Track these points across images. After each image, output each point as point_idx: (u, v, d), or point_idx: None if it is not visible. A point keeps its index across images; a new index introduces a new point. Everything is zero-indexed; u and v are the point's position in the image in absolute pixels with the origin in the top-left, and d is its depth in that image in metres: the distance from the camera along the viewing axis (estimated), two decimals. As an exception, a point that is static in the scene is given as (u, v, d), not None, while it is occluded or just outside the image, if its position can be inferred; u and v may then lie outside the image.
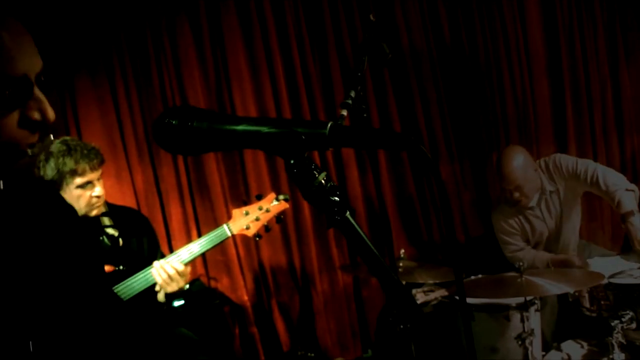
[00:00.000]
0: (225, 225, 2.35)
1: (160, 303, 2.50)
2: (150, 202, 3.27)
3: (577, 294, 2.57)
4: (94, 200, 2.30)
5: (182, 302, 2.67)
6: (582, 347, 2.59)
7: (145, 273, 2.27)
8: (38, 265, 0.97)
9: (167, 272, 2.24)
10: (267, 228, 2.38)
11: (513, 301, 2.49)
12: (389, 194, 3.72)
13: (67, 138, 2.32)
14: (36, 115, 0.92)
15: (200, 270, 3.35)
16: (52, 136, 1.05)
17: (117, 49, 3.21)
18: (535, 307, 2.49)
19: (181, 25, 3.31)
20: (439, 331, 2.77)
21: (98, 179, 2.32)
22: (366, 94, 3.54)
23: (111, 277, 2.26)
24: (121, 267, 2.29)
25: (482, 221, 3.82)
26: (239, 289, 3.41)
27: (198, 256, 2.34)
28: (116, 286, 2.23)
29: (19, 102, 0.90)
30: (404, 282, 2.77)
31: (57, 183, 2.23)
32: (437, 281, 2.86)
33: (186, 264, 2.29)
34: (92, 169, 2.27)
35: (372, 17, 2.16)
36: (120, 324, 1.10)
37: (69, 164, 2.21)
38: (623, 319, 2.32)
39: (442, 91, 3.84)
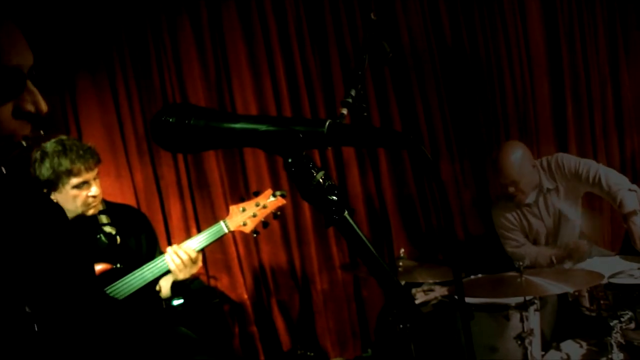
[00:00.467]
0: (222, 222, 2.34)
1: (160, 301, 2.50)
2: (150, 200, 3.27)
3: (576, 293, 2.57)
4: (90, 200, 2.29)
5: (181, 300, 2.67)
6: (581, 346, 2.59)
7: (143, 271, 2.26)
8: (23, 262, 0.98)
9: (180, 257, 2.25)
10: (264, 224, 2.38)
11: (513, 301, 2.49)
12: (389, 193, 3.72)
13: (63, 137, 2.30)
14: (30, 107, 0.94)
15: (200, 269, 3.35)
16: (42, 131, 1.06)
17: (118, 47, 3.21)
18: (534, 306, 2.49)
19: (182, 24, 3.31)
20: (439, 330, 2.77)
21: (94, 179, 2.30)
22: (367, 92, 3.55)
23: (108, 275, 2.26)
24: (118, 265, 2.29)
25: (482, 220, 3.82)
26: (239, 288, 3.41)
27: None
28: (113, 284, 2.23)
29: (12, 93, 0.93)
30: (403, 282, 2.77)
31: (53, 183, 2.22)
32: (437, 280, 2.86)
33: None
34: (88, 169, 2.26)
35: (372, 16, 2.16)
36: (108, 325, 1.10)
37: (65, 164, 2.20)
38: (622, 319, 2.32)
39: (443, 90, 3.84)
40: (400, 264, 2.85)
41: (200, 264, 2.34)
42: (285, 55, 3.49)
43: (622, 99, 4.14)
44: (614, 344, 2.30)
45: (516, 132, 3.93)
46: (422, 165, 0.84)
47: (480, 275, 2.74)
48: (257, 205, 2.36)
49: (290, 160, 0.81)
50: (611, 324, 2.31)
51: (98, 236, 2.39)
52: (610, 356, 2.32)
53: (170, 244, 3.24)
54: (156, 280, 2.33)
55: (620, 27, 4.14)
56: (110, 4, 3.16)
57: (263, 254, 3.48)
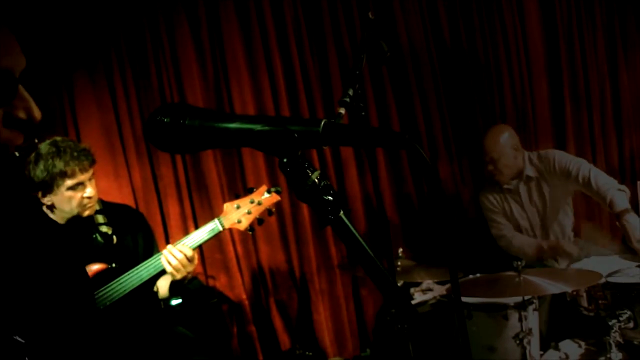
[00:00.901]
0: (217, 220, 2.33)
1: (157, 301, 2.50)
2: (148, 200, 3.27)
3: (574, 293, 2.57)
4: (86, 201, 2.28)
5: (179, 300, 2.67)
6: (580, 346, 2.59)
7: (139, 270, 2.26)
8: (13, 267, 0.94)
9: (176, 256, 2.24)
10: (259, 221, 2.37)
11: (511, 300, 2.49)
12: (388, 192, 3.72)
13: (58, 139, 2.28)
14: (22, 115, 0.88)
15: (198, 268, 3.34)
16: (36, 139, 1.02)
17: (116, 47, 3.20)
18: (533, 306, 2.49)
19: (180, 24, 3.30)
20: (437, 330, 2.77)
21: (89, 180, 2.29)
22: (365, 92, 3.54)
23: (104, 275, 2.25)
24: (114, 265, 2.28)
25: (481, 220, 3.82)
26: (237, 288, 3.41)
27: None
28: (109, 284, 2.23)
29: (2, 99, 0.86)
30: (402, 282, 2.77)
31: (48, 185, 2.21)
32: (435, 280, 2.86)
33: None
34: (82, 171, 2.24)
35: (370, 15, 2.15)
36: (97, 329, 1.06)
37: (59, 165, 2.18)
38: (621, 318, 2.31)
39: (441, 90, 3.84)
40: (399, 263, 2.85)
41: (196, 262, 2.33)
42: (283, 55, 3.48)
43: (620, 98, 4.15)
44: (612, 343, 2.30)
45: (515, 131, 3.92)
46: (420, 164, 0.84)
47: (478, 275, 2.74)
48: (252, 202, 2.35)
49: (285, 160, 0.80)
50: (610, 323, 2.31)
51: (94, 236, 2.38)
52: (609, 356, 2.32)
53: (168, 244, 3.24)
54: (153, 279, 2.32)
55: (619, 27, 4.14)
56: (108, 4, 3.15)
57: (261, 253, 3.48)
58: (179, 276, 2.26)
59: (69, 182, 2.22)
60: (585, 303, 2.52)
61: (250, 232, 2.37)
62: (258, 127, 0.81)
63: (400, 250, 2.94)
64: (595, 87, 4.08)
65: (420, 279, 2.82)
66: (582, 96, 4.04)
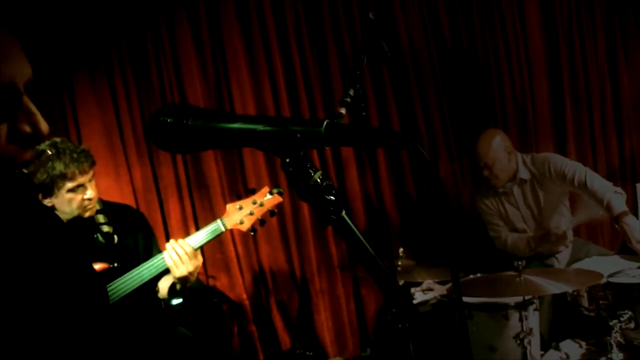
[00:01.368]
0: (219, 220, 2.33)
1: (158, 300, 2.50)
2: (149, 200, 3.27)
3: (575, 293, 2.57)
4: (86, 202, 2.27)
5: (180, 300, 2.66)
6: (581, 346, 2.59)
7: (141, 269, 2.26)
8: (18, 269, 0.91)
9: (177, 251, 2.23)
10: (261, 222, 2.36)
11: (512, 300, 2.50)
12: (388, 192, 3.72)
13: (57, 140, 2.26)
14: (27, 129, 0.83)
15: (199, 268, 3.35)
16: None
17: (116, 46, 3.21)
18: (533, 306, 2.49)
19: (180, 23, 3.31)
20: (438, 330, 2.77)
21: (90, 181, 2.28)
22: (365, 92, 3.55)
23: (106, 275, 2.25)
24: (115, 265, 2.28)
25: (481, 219, 3.82)
26: (238, 287, 3.41)
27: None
28: (110, 283, 2.23)
29: (6, 113, 0.81)
30: (402, 281, 2.77)
31: (48, 187, 2.20)
32: (436, 280, 2.86)
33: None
34: (82, 173, 2.23)
35: (371, 16, 2.15)
36: (106, 328, 1.03)
37: (58, 167, 2.17)
38: (621, 319, 2.32)
39: (442, 90, 3.84)
40: (400, 263, 2.85)
41: (199, 262, 2.32)
42: (283, 55, 3.48)
43: (621, 98, 4.15)
44: (613, 343, 2.30)
45: (515, 131, 3.93)
46: (420, 165, 0.84)
47: (479, 275, 2.74)
48: (254, 203, 2.35)
49: (287, 161, 0.80)
50: (610, 323, 2.31)
51: (95, 236, 2.38)
52: (609, 356, 2.32)
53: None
54: (155, 279, 2.32)
55: (619, 28, 4.14)
56: (108, 3, 3.16)
57: (262, 253, 3.48)
58: (178, 273, 2.26)
59: (69, 185, 2.21)
60: (586, 303, 2.52)
61: (252, 233, 2.37)
62: (260, 127, 0.81)
63: (401, 250, 2.94)
64: (596, 87, 4.08)
65: (420, 278, 2.82)
66: (582, 96, 4.04)
